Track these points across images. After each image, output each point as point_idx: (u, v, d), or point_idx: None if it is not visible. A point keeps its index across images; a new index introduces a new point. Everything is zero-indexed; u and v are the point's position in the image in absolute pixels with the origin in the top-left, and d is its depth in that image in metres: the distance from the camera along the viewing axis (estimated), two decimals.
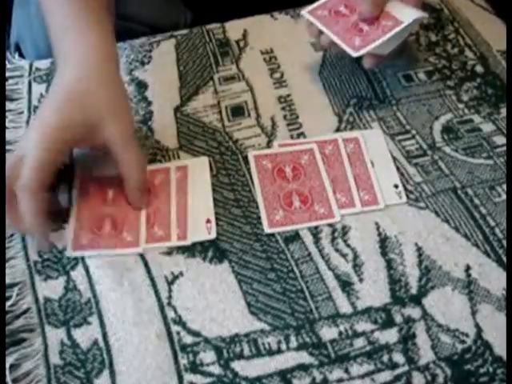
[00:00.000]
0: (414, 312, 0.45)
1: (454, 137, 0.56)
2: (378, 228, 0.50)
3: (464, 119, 0.57)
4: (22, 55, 0.71)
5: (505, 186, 0.51)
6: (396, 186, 0.52)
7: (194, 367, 0.43)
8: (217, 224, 0.49)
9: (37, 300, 0.46)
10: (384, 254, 0.48)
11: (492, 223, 0.49)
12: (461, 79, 0.61)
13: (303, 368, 0.42)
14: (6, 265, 0.48)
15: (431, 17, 0.68)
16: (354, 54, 0.54)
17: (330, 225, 0.50)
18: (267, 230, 0.49)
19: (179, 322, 0.45)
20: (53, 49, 0.52)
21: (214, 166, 0.54)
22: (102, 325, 0.45)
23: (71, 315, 0.45)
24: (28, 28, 0.71)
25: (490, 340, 0.43)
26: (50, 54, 0.66)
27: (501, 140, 0.55)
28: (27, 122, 0.59)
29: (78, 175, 0.53)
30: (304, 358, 0.43)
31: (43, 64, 0.65)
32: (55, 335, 0.44)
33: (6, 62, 0.65)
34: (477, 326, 0.44)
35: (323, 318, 0.45)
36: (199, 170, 0.53)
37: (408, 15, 0.54)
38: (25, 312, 0.46)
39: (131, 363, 0.43)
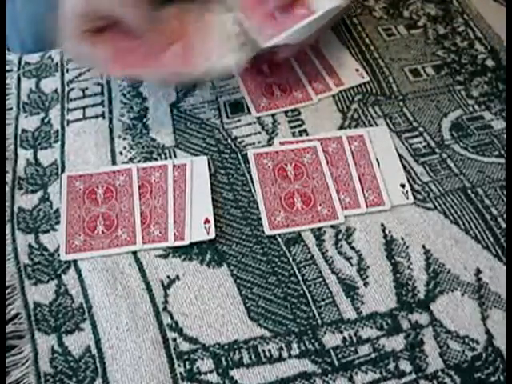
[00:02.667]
0: (421, 318, 0.45)
1: (463, 134, 0.56)
2: (383, 230, 0.50)
3: (474, 116, 0.58)
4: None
5: None
6: (403, 186, 0.52)
7: (191, 376, 0.43)
8: (215, 225, 0.50)
9: (26, 305, 0.46)
10: (390, 256, 0.48)
11: (504, 225, 0.49)
12: (471, 74, 0.61)
13: (305, 376, 0.42)
14: None
15: (439, 8, 0.68)
16: (264, 45, 0.53)
17: (334, 226, 0.50)
18: (268, 231, 0.49)
19: (175, 328, 0.45)
20: None
21: (212, 164, 0.54)
22: (95, 331, 0.45)
23: (62, 321, 0.45)
24: (13, 24, 0.71)
25: (501, 347, 0.43)
26: (36, 50, 0.66)
27: None
28: (16, 119, 0.59)
29: (65, 175, 0.53)
30: (306, 365, 0.43)
31: (33, 58, 0.65)
32: (46, 342, 0.44)
33: None
34: (487, 332, 0.44)
35: (326, 323, 0.45)
36: (198, 169, 0.53)
37: (323, 3, 0.52)
38: (14, 317, 0.46)
39: (125, 371, 0.43)
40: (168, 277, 0.48)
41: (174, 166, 0.54)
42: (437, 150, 0.55)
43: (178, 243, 0.49)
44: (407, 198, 0.51)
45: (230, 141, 0.56)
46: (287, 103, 0.59)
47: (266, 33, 0.54)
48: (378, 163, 0.54)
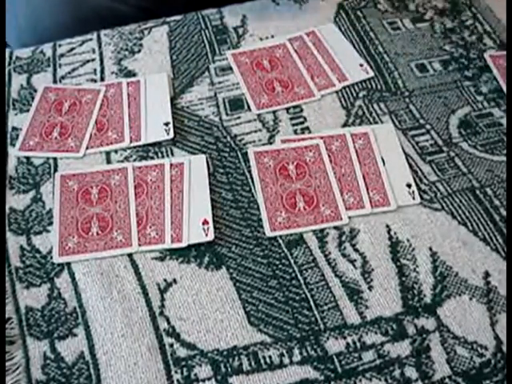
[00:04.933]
0: (428, 323, 0.45)
1: (472, 132, 0.56)
2: (389, 231, 0.50)
3: (483, 113, 0.58)
4: None
5: None
6: (409, 186, 0.52)
7: (189, 383, 0.43)
8: (214, 227, 0.50)
9: (18, 309, 0.46)
10: (395, 259, 0.48)
11: None
12: (479, 69, 0.61)
13: None
14: None
15: (447, 1, 0.68)
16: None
17: (337, 228, 0.50)
18: (269, 233, 0.50)
19: (172, 333, 0.45)
20: None
21: (211, 163, 0.55)
22: (89, 337, 0.45)
23: (55, 326, 0.46)
24: (10, 6, 0.71)
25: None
26: (32, 35, 0.66)
27: None
28: (6, 116, 0.59)
29: (58, 175, 0.53)
30: (308, 372, 0.43)
31: (24, 53, 0.65)
32: (38, 348, 0.45)
33: None
34: (496, 337, 0.44)
35: (329, 329, 0.45)
36: (196, 168, 0.54)
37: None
38: (5, 322, 0.46)
39: (120, 378, 0.43)
40: (165, 280, 0.48)
41: (171, 164, 0.54)
42: (444, 149, 0.55)
43: (176, 245, 0.49)
44: (413, 198, 0.51)
45: (229, 139, 0.56)
46: (289, 99, 0.59)
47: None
48: (384, 162, 0.54)
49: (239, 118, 0.58)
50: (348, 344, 0.44)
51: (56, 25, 0.70)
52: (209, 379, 0.43)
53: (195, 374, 0.43)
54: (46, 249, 0.50)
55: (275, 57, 0.63)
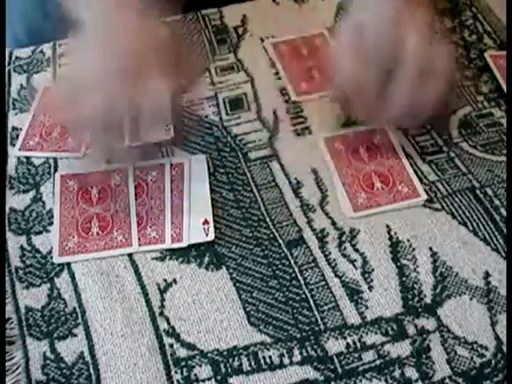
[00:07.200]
0: (428, 323, 0.45)
1: (472, 132, 0.56)
2: (389, 231, 0.50)
3: (483, 113, 0.57)
4: None
5: None
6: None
7: (189, 383, 0.43)
8: (214, 227, 0.49)
9: (18, 309, 0.46)
10: (396, 259, 0.48)
11: None
12: (480, 69, 0.61)
13: None
14: None
15: (447, 1, 0.68)
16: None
17: (337, 228, 0.50)
18: (351, 213, 0.50)
19: (172, 333, 0.45)
20: None
21: (211, 163, 0.54)
22: (89, 337, 0.45)
23: (55, 326, 0.45)
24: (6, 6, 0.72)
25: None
26: (28, 42, 0.67)
27: None
28: (6, 116, 0.59)
29: (58, 175, 0.53)
30: (308, 372, 0.43)
31: (24, 53, 0.65)
32: (37, 348, 0.44)
33: None
34: (497, 338, 0.44)
35: (329, 329, 0.45)
36: (196, 168, 0.53)
37: None
38: (5, 322, 0.46)
39: (120, 379, 0.43)
40: (165, 280, 0.47)
41: (172, 164, 0.54)
42: (444, 149, 0.55)
43: (176, 245, 0.49)
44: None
45: (229, 138, 0.56)
46: (328, 87, 0.59)
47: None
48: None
49: (239, 117, 0.58)
50: (348, 344, 0.44)
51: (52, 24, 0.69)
52: (209, 379, 0.43)
53: (195, 375, 0.43)
54: (45, 249, 0.49)
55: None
